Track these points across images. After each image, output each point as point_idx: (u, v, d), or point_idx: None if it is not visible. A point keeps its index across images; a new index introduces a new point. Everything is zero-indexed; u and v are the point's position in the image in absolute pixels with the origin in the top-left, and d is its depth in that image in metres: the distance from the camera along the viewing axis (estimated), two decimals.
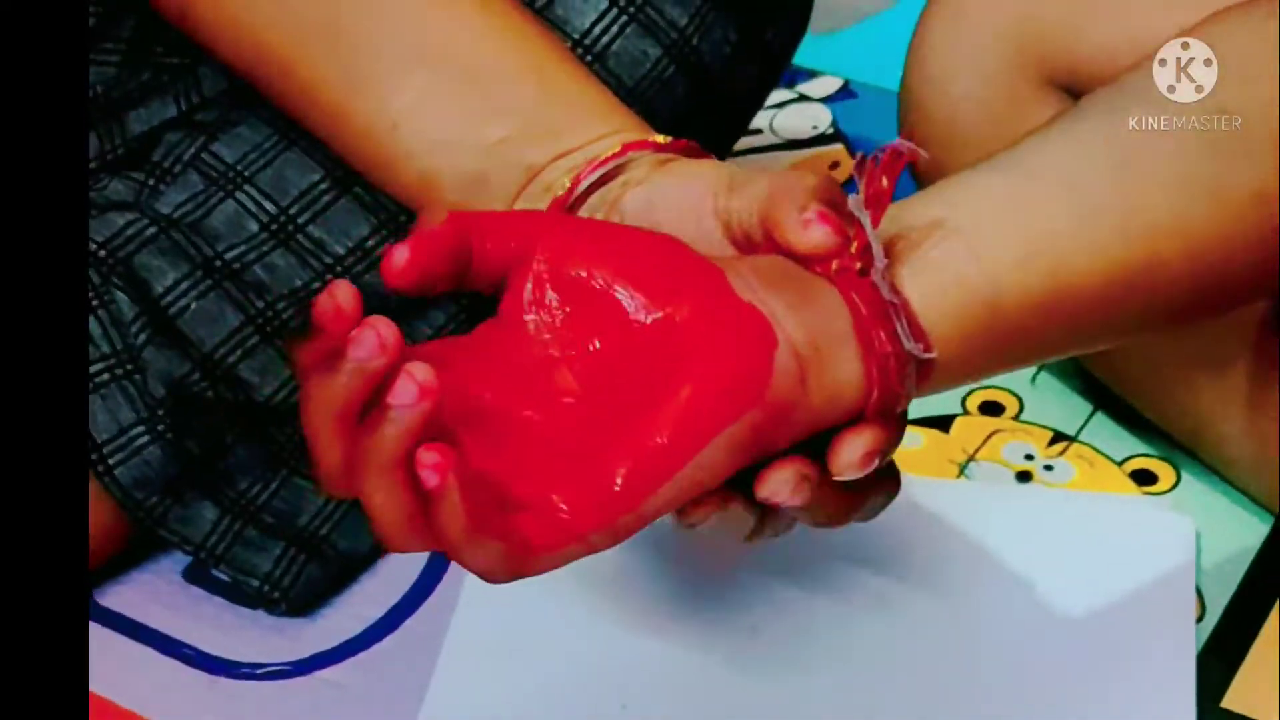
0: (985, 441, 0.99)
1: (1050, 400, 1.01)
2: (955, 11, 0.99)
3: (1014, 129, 0.91)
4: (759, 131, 1.21)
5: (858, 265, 0.65)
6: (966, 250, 0.67)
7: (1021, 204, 0.69)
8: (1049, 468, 0.98)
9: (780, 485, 0.64)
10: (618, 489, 0.62)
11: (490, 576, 0.61)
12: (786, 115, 1.24)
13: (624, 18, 0.88)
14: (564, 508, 0.61)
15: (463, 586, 0.89)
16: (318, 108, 0.80)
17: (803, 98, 1.25)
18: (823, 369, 0.64)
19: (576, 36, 0.87)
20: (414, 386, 0.58)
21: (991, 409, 1.01)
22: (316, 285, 0.88)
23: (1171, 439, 0.97)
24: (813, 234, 0.66)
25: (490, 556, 0.60)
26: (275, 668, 0.88)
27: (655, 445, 0.62)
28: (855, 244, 0.65)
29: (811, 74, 1.26)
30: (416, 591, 0.91)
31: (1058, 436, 0.99)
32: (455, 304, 0.90)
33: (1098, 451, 0.99)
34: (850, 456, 0.65)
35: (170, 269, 0.87)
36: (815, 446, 0.66)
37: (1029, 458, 0.98)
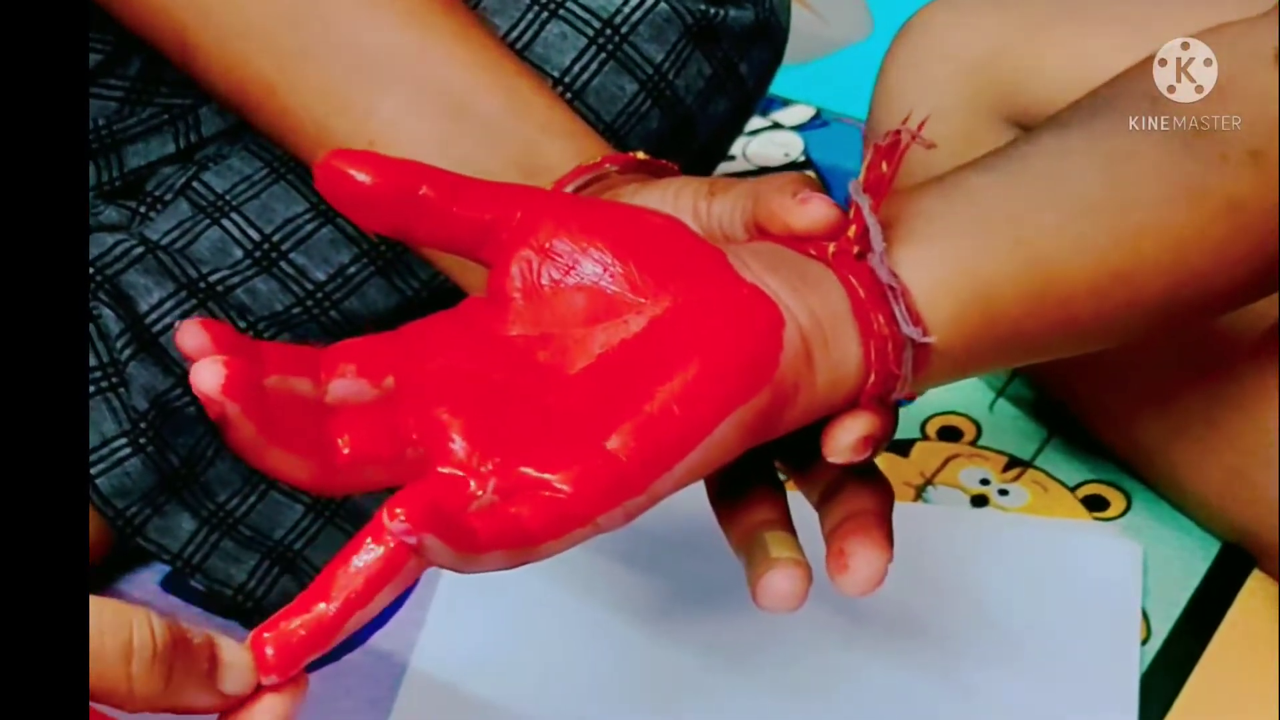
0: (943, 466, 1.00)
1: (1007, 427, 1.03)
2: (921, 46, 1.00)
3: None
4: (732, 158, 1.22)
5: (855, 249, 0.65)
6: (960, 241, 0.67)
7: (1013, 200, 0.69)
8: (1004, 492, 0.99)
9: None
10: (626, 470, 0.59)
11: (502, 570, 0.58)
12: (759, 142, 1.24)
13: (602, 55, 0.89)
14: (566, 489, 0.58)
15: (430, 603, 0.90)
16: (299, 129, 0.81)
17: (776, 125, 1.26)
18: (826, 349, 0.63)
19: (557, 75, 0.89)
20: None
21: (950, 434, 1.02)
22: (296, 310, 0.89)
23: (1123, 466, 0.99)
24: (811, 210, 0.65)
25: (494, 562, 0.58)
26: None
27: (667, 425, 0.60)
28: (854, 228, 0.65)
29: (785, 102, 1.27)
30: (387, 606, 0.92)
31: (1013, 462, 1.01)
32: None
33: (1051, 477, 1.00)
34: (847, 439, 0.64)
35: (155, 288, 0.88)
36: (795, 447, 0.66)
37: (985, 482, 1.00)
